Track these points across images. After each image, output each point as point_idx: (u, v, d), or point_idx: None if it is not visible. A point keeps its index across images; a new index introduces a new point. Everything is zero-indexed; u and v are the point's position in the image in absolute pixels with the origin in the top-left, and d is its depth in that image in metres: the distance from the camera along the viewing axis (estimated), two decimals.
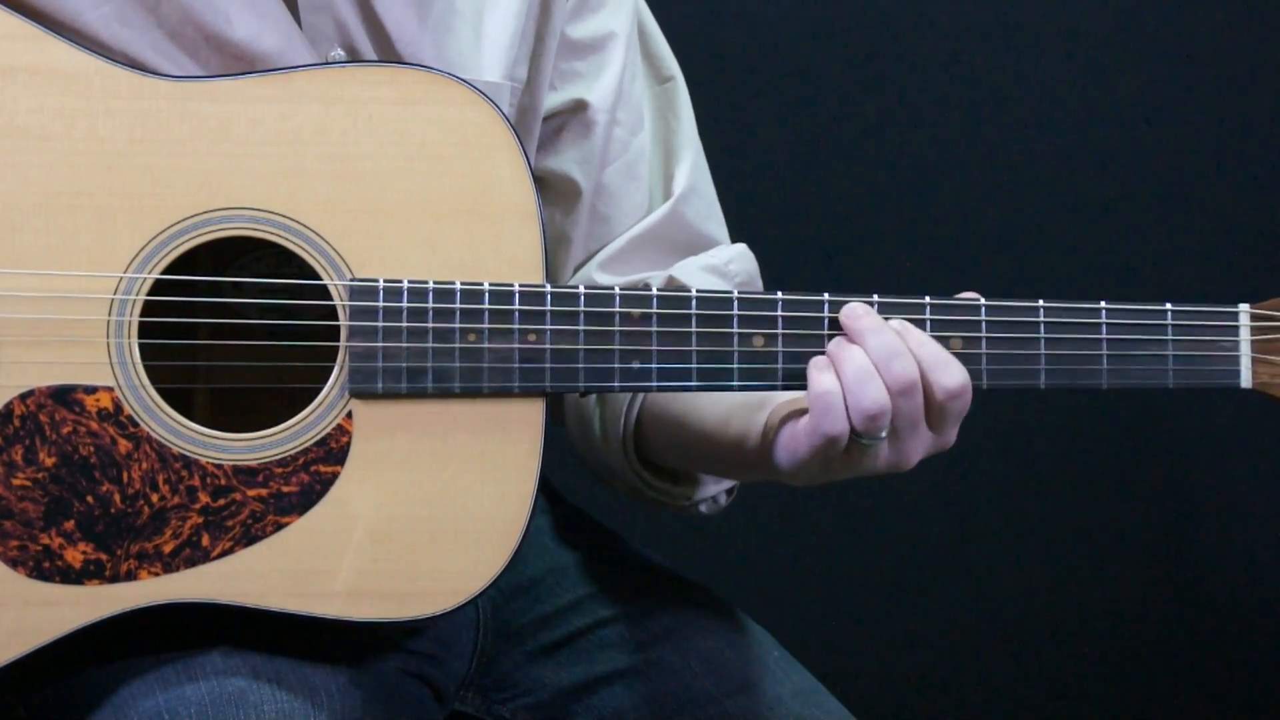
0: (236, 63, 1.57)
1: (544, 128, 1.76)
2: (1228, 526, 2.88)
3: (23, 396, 1.46)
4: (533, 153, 1.75)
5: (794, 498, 2.72)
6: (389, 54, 1.63)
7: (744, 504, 1.83)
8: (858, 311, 1.51)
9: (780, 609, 2.20)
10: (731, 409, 1.61)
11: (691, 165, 1.81)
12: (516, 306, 1.51)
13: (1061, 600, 2.87)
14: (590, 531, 1.86)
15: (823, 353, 1.51)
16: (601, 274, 1.76)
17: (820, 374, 1.49)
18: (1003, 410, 2.76)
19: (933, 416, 1.49)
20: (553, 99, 1.75)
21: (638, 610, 1.76)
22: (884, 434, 1.47)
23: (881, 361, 1.47)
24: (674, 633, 1.74)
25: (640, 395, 1.71)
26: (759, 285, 1.81)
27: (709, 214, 1.82)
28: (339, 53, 1.62)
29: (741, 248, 1.82)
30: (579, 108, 1.76)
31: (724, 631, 1.75)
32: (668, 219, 1.79)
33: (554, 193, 1.77)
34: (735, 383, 1.52)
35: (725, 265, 1.79)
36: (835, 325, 1.52)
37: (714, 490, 1.77)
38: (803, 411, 1.51)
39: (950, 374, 1.49)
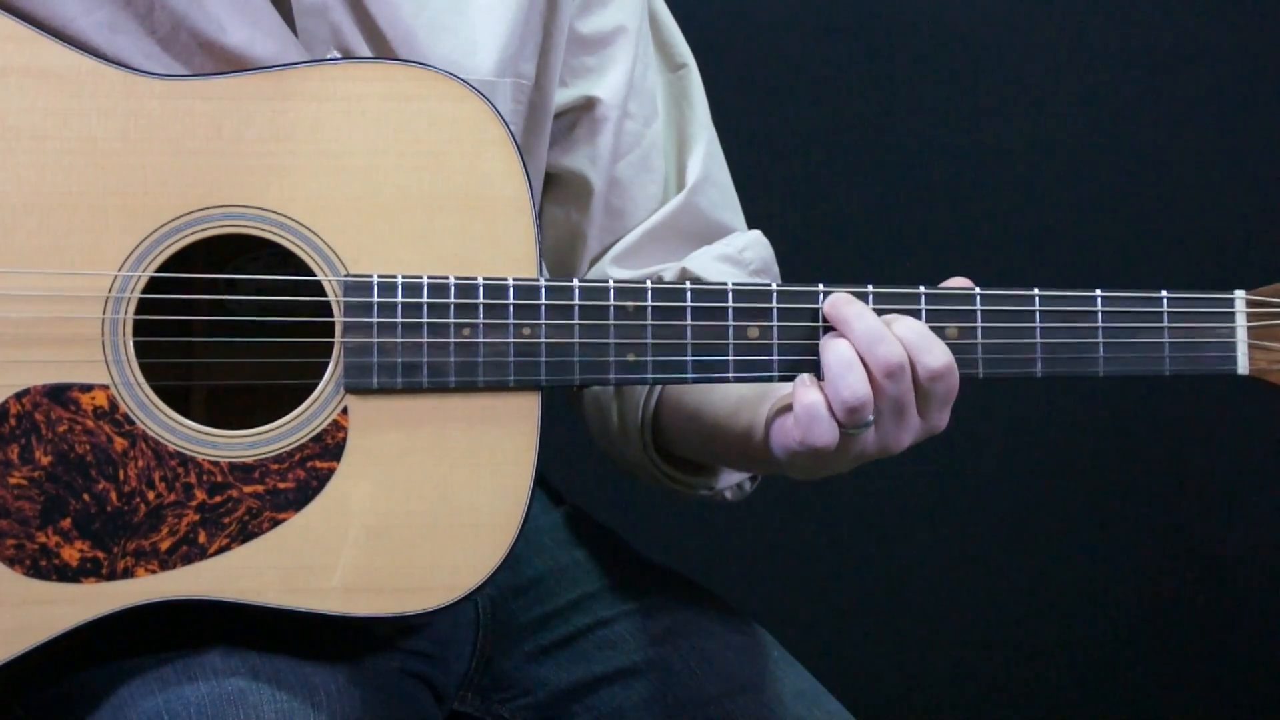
0: (230, 69, 1.57)
1: (556, 124, 1.76)
2: (1226, 514, 2.87)
3: (18, 395, 1.46)
4: (545, 150, 1.75)
5: (794, 498, 2.72)
6: (384, 54, 1.63)
7: (745, 504, 1.83)
8: (839, 301, 1.51)
9: (780, 609, 2.20)
10: (739, 401, 1.61)
11: (705, 153, 1.81)
12: (511, 301, 1.51)
13: (1062, 599, 2.87)
14: (590, 531, 1.86)
15: (815, 344, 1.51)
16: (615, 268, 1.76)
17: (805, 389, 1.49)
18: (1001, 404, 2.76)
19: (919, 398, 1.49)
20: (563, 95, 1.75)
21: (638, 610, 1.76)
22: (870, 419, 1.47)
23: (866, 346, 1.47)
24: (674, 633, 1.74)
25: (657, 389, 1.71)
26: (775, 271, 1.81)
27: (724, 202, 1.82)
28: (335, 54, 1.62)
29: (756, 234, 1.82)
30: (590, 104, 1.76)
31: (724, 632, 1.75)
32: (681, 210, 1.79)
33: (568, 190, 1.77)
34: (730, 374, 1.52)
35: (740, 253, 1.78)
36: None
37: (737, 477, 1.77)
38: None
39: (934, 355, 1.48)
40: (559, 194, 1.77)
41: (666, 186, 1.80)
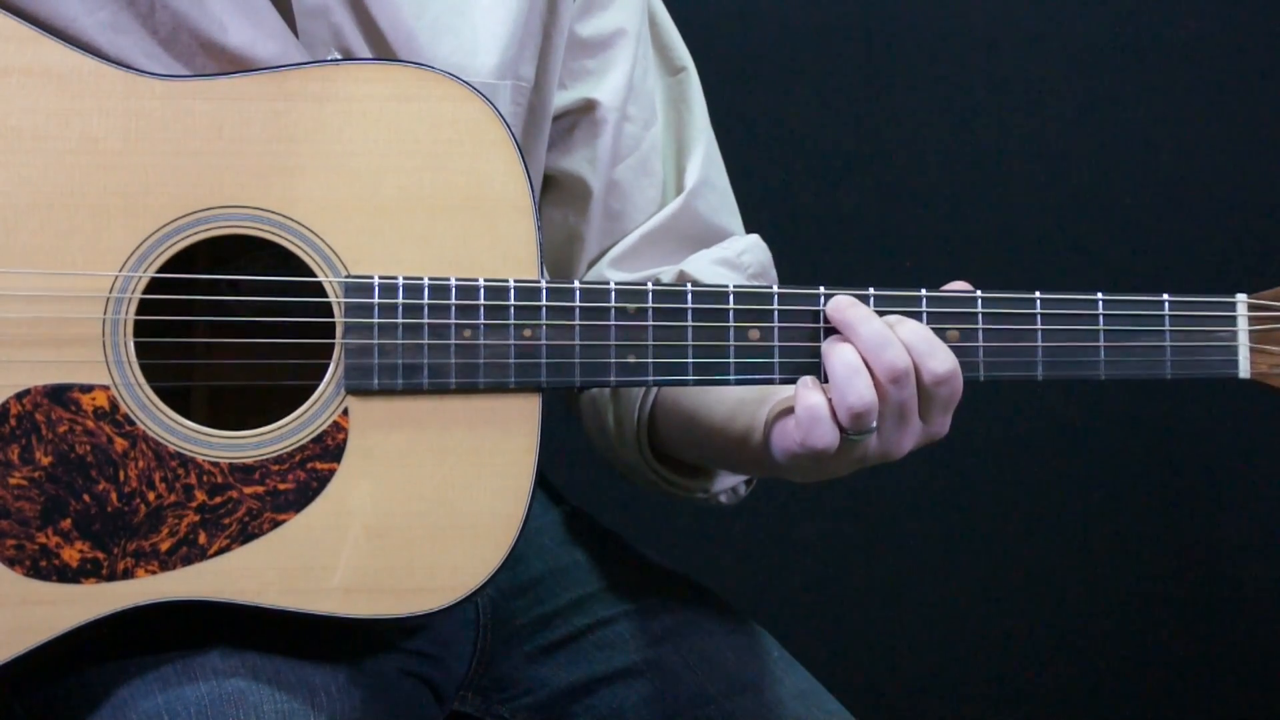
0: (232, 70, 1.56)
1: (555, 127, 1.76)
2: (1226, 518, 2.87)
3: (19, 396, 1.46)
4: (543, 152, 1.75)
5: (794, 498, 2.72)
6: (385, 55, 1.63)
7: (745, 504, 1.83)
8: (843, 304, 1.51)
9: (780, 609, 2.20)
10: (738, 404, 1.61)
11: (703, 157, 1.81)
12: (512, 302, 1.50)
13: (1061, 600, 2.87)
14: (591, 532, 1.86)
15: (817, 347, 1.51)
16: (613, 271, 1.76)
17: (807, 391, 1.49)
18: (1001, 406, 2.76)
19: (922, 403, 1.49)
20: (562, 98, 1.75)
21: (638, 610, 1.76)
22: (874, 425, 1.47)
23: (872, 351, 1.47)
24: (674, 633, 1.74)
25: (653, 391, 1.71)
26: (773, 275, 1.81)
27: (722, 206, 1.82)
28: (336, 55, 1.62)
29: (754, 238, 1.82)
30: (589, 107, 1.76)
31: (724, 632, 1.75)
32: (679, 214, 1.79)
33: (566, 192, 1.77)
34: (731, 376, 1.52)
35: (738, 257, 1.78)
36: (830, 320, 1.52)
37: (732, 481, 1.77)
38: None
39: (939, 359, 1.48)
40: (557, 196, 1.77)
41: (665, 190, 1.80)
